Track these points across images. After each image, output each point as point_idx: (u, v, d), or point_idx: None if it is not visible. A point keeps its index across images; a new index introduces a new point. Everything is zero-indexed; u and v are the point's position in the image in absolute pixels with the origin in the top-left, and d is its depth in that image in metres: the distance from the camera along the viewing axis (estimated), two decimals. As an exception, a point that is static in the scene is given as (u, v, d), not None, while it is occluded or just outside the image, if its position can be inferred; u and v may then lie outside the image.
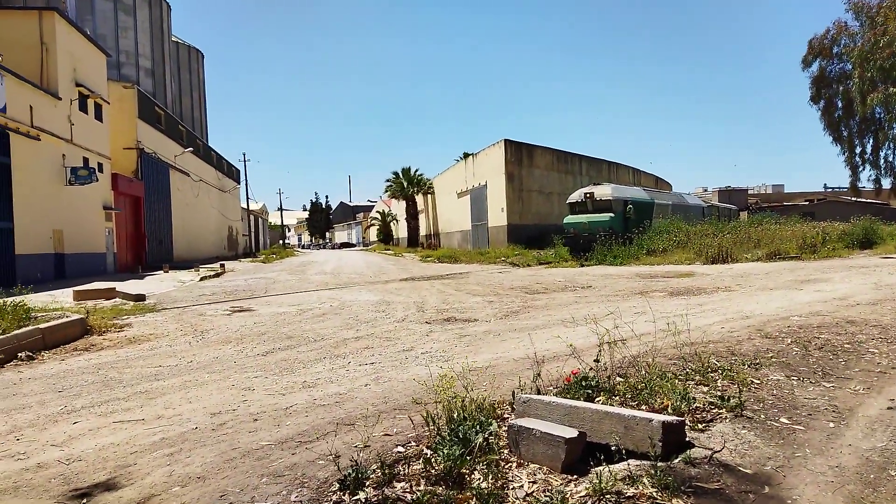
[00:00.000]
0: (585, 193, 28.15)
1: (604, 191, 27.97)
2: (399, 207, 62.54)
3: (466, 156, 43.78)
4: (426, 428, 3.68)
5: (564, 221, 28.67)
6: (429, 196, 54.52)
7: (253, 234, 71.25)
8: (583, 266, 22.24)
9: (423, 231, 56.67)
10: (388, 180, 56.23)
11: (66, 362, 7.22)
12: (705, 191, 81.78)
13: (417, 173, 54.43)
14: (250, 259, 46.80)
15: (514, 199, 35.73)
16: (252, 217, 70.64)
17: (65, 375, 6.41)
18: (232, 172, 58.30)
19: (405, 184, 54.44)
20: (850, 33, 26.54)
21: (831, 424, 3.74)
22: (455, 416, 3.59)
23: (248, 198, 64.15)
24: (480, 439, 3.28)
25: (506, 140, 36.04)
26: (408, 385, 5.16)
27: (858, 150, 33.62)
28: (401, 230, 65.37)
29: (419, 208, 56.49)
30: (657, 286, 13.18)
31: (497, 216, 36.80)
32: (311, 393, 5.17)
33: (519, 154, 36.85)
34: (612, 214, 26.48)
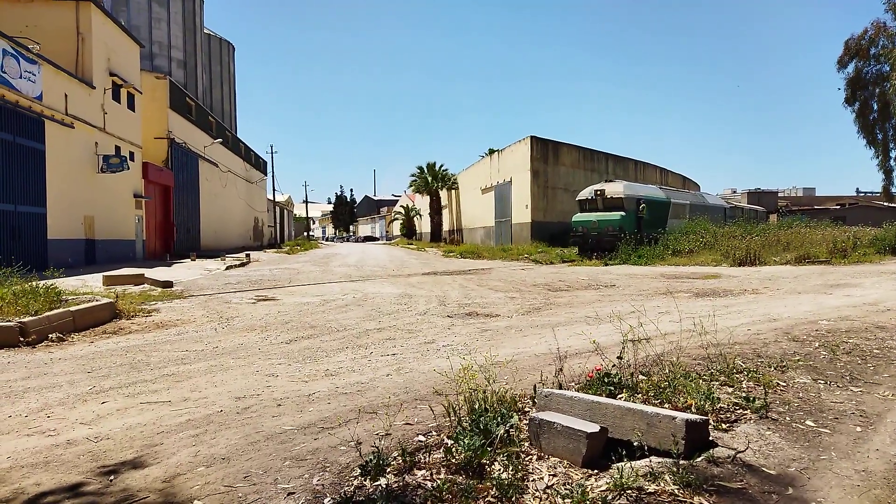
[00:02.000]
0: (596, 190, 26.94)
1: (615, 188, 26.70)
2: (423, 202, 62.64)
3: (492, 152, 43.66)
4: (447, 418, 3.70)
5: (573, 219, 27.73)
6: (453, 191, 54.51)
7: (278, 226, 72.03)
8: (607, 265, 22.04)
9: (446, 226, 56.71)
10: (412, 175, 56.40)
11: (95, 344, 7.40)
12: (734, 192, 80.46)
13: (442, 168, 54.47)
14: (275, 250, 47.33)
15: (538, 196, 35.53)
16: (278, 208, 71.39)
17: (94, 357, 6.57)
18: (259, 164, 58.96)
19: (429, 179, 54.50)
20: (888, 34, 25.86)
21: (858, 429, 3.67)
22: (476, 407, 3.60)
23: (274, 189, 64.84)
24: (501, 431, 3.29)
25: (532, 137, 35.85)
26: (429, 376, 5.19)
27: (893, 154, 32.74)
28: (424, 225, 65.51)
29: (443, 203, 56.53)
30: (682, 287, 13.02)
31: (521, 213, 36.65)
32: (333, 381, 5.23)
33: (545, 151, 36.62)
34: (623, 213, 25.48)
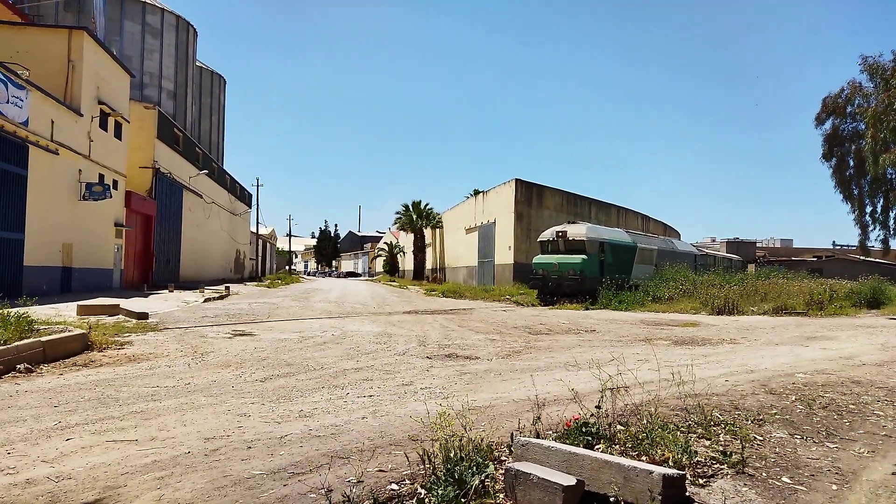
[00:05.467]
0: (558, 232, 25.93)
1: (578, 230, 25.77)
2: (407, 240, 62.80)
3: (477, 193, 44.13)
4: (422, 466, 3.62)
5: (534, 261, 26.58)
6: (437, 230, 54.79)
7: (260, 259, 71.54)
8: (587, 309, 22.09)
9: (429, 264, 56.76)
10: (397, 213, 56.74)
11: (64, 377, 7.20)
12: (714, 241, 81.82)
13: (427, 207, 54.86)
14: (256, 283, 46.88)
15: (521, 237, 35.82)
16: (260, 241, 71.04)
17: (62, 390, 6.38)
18: (244, 196, 58.92)
19: (414, 217, 54.81)
20: (864, 93, 26.87)
21: (834, 487, 3.66)
22: (452, 455, 3.54)
23: (258, 222, 64.69)
24: (476, 482, 3.23)
25: (517, 179, 36.35)
26: (405, 420, 5.10)
27: (869, 209, 33.66)
28: (407, 262, 65.50)
29: (427, 242, 56.71)
30: (662, 334, 13.07)
31: (504, 254, 36.85)
32: (307, 423, 5.12)
33: (529, 194, 37.10)
34: (584, 256, 24.56)
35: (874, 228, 32.30)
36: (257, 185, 62.75)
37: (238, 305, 20.63)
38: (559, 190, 39.74)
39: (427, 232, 56.16)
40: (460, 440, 3.67)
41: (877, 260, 49.42)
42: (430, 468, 3.50)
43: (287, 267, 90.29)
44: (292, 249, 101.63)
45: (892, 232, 30.90)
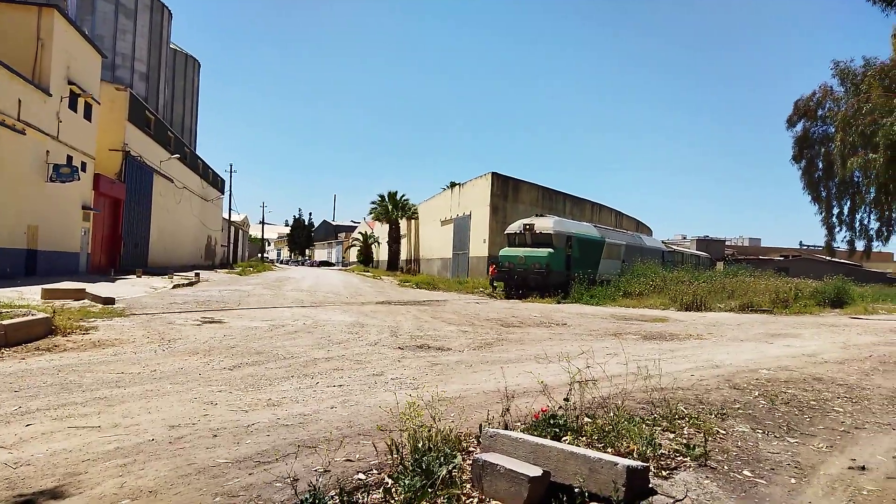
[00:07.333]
0: (525, 224, 25.64)
1: (545, 223, 25.46)
2: (382, 230, 62.58)
3: (453, 185, 44.10)
4: (389, 456, 3.62)
5: (500, 254, 26.34)
6: (412, 221, 54.66)
7: (232, 246, 70.56)
8: (560, 303, 22.28)
9: (403, 255, 56.65)
10: (373, 202, 56.50)
11: (26, 361, 7.01)
12: (684, 238, 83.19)
13: (403, 198, 54.68)
14: (226, 270, 46.24)
15: (496, 231, 35.91)
16: (233, 228, 70.05)
17: (23, 375, 6.22)
18: (217, 182, 57.93)
19: (390, 207, 54.61)
20: (834, 98, 27.48)
21: (793, 480, 3.75)
22: (420, 446, 3.54)
23: (230, 209, 63.72)
24: (444, 472, 3.23)
25: (493, 173, 36.41)
26: (375, 411, 5.09)
27: (836, 211, 34.47)
28: (382, 253, 65.29)
29: (402, 233, 56.56)
30: (631, 329, 13.26)
31: (479, 247, 36.94)
32: (275, 412, 5.07)
33: (505, 188, 37.20)
34: (551, 250, 24.35)
35: (840, 230, 33.14)
36: (230, 172, 61.46)
37: (208, 292, 20.32)
38: (535, 184, 39.91)
39: (402, 223, 56.01)
40: (429, 431, 3.68)
41: (842, 261, 50.77)
42: (397, 458, 3.50)
43: (259, 255, 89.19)
44: (265, 237, 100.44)
45: (857, 234, 31.74)
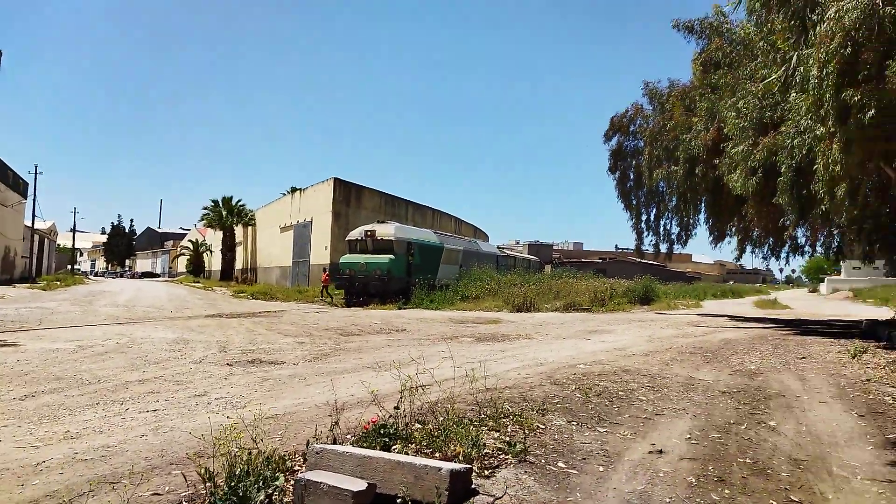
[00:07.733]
0: (366, 231, 25.96)
1: (386, 230, 25.92)
2: (215, 238, 58.68)
3: (294, 190, 42.75)
4: (203, 486, 3.34)
5: (341, 261, 26.35)
6: (249, 228, 52.07)
7: (36, 257, 61.87)
8: (401, 309, 22.51)
9: (239, 265, 53.70)
10: (205, 208, 52.67)
11: None
12: (518, 243, 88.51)
13: (239, 203, 51.88)
14: (28, 285, 40.47)
15: (339, 237, 35.39)
16: (37, 237, 61.47)
17: None
18: (18, 185, 50.42)
19: (224, 213, 51.42)
20: (644, 115, 30.82)
21: (601, 468, 4.08)
22: (237, 471, 3.31)
23: (34, 215, 55.84)
24: (262, 497, 3.06)
25: (336, 179, 35.90)
26: (192, 437, 4.69)
27: (644, 217, 38.74)
28: (215, 262, 61.25)
29: (238, 240, 53.57)
30: (466, 332, 13.75)
31: (320, 254, 36.15)
32: (72, 445, 4.47)
33: (348, 194, 36.85)
34: (392, 256, 24.75)
35: (648, 234, 37.31)
36: (35, 173, 53.84)
37: (2, 311, 17.59)
38: (378, 191, 40.02)
39: (238, 230, 53.05)
40: (249, 453, 3.46)
41: (650, 262, 57.31)
42: (210, 487, 3.24)
43: (69, 266, 79.22)
44: (77, 247, 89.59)
45: (661, 237, 35.96)
